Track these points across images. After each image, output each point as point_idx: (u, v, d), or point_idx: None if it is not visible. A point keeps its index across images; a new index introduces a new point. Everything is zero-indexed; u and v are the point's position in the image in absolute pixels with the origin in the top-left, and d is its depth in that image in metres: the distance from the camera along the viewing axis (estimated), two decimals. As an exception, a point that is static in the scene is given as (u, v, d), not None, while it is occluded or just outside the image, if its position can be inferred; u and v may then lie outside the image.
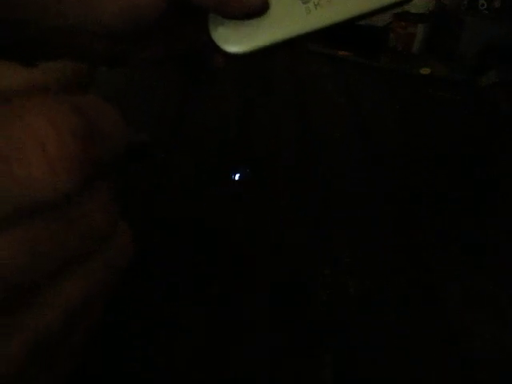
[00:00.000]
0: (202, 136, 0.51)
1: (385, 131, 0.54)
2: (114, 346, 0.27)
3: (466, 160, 0.48)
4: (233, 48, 0.27)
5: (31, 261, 0.10)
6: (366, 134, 0.53)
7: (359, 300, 0.30)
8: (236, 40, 0.27)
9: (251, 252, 0.34)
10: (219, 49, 0.28)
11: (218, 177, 0.43)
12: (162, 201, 0.40)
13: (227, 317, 0.29)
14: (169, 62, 0.26)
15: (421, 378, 0.26)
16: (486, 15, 0.73)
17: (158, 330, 0.28)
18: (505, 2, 0.72)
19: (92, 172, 0.11)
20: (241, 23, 0.27)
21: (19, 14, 0.23)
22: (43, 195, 0.10)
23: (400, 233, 0.37)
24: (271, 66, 0.74)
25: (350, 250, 0.35)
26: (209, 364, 0.26)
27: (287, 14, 0.27)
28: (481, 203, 0.41)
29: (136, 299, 0.30)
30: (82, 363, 0.13)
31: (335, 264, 0.33)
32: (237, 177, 0.26)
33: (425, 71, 0.72)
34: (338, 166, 0.46)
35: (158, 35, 0.26)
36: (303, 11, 0.27)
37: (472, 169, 0.47)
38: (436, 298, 0.31)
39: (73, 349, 0.13)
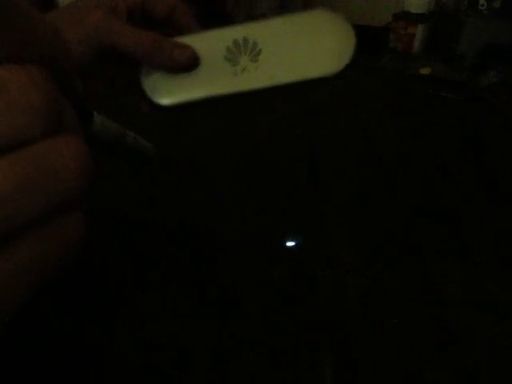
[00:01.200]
0: (200, 144, 0.51)
1: (385, 131, 0.54)
2: (114, 358, 0.27)
3: (466, 160, 0.48)
4: (160, 99, 0.29)
5: None
6: (366, 134, 0.53)
7: (359, 300, 0.30)
8: (163, 92, 0.29)
9: (251, 252, 0.34)
10: (147, 98, 0.29)
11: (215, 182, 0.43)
12: (159, 204, 0.40)
13: (227, 317, 0.29)
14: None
15: (421, 377, 0.26)
16: (486, 15, 0.73)
17: (155, 333, 0.28)
18: (505, 2, 0.72)
19: (54, 120, 0.12)
20: (170, 76, 0.28)
21: None
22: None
23: (400, 233, 0.37)
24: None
25: (349, 249, 0.35)
26: (209, 364, 0.26)
27: (215, 73, 0.28)
28: (481, 203, 0.41)
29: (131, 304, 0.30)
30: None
31: (335, 264, 0.33)
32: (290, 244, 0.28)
33: (425, 71, 0.72)
34: (338, 166, 0.46)
35: (96, 74, 0.29)
36: (230, 73, 0.28)
37: (472, 169, 0.47)
38: (436, 297, 0.31)
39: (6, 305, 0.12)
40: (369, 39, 0.82)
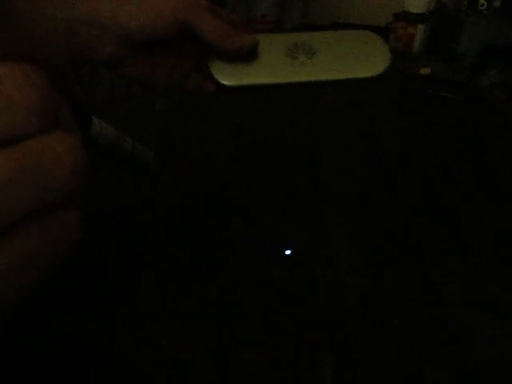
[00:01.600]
0: (201, 147, 0.51)
1: (385, 131, 0.54)
2: (114, 353, 0.27)
3: (466, 160, 0.48)
4: (225, 80, 0.33)
5: None
6: (366, 134, 0.53)
7: (359, 300, 0.30)
8: (229, 74, 0.33)
9: (251, 252, 0.34)
10: (214, 79, 0.34)
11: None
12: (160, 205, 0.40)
13: (227, 317, 0.29)
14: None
15: (421, 377, 0.26)
16: (486, 15, 0.73)
17: (158, 330, 0.28)
18: (505, 2, 0.72)
19: (49, 117, 0.12)
20: (236, 62, 0.33)
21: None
22: None
23: (400, 233, 0.37)
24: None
25: (350, 249, 0.35)
26: (209, 364, 0.26)
27: (276, 64, 0.34)
28: (481, 203, 0.41)
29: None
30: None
31: (335, 264, 0.33)
32: (288, 252, 0.30)
33: (425, 71, 0.72)
34: (339, 166, 0.46)
35: (155, 55, 0.32)
36: (290, 65, 0.34)
37: (472, 169, 0.47)
38: (436, 297, 0.31)
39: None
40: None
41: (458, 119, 0.58)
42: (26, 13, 0.27)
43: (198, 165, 0.46)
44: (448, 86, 0.67)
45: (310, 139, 0.51)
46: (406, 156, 0.49)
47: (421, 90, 0.67)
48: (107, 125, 0.26)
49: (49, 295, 0.29)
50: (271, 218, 0.38)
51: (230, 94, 0.34)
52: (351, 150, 0.49)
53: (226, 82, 0.34)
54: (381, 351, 0.27)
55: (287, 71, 0.33)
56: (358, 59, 0.34)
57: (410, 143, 0.52)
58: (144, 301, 0.30)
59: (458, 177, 0.45)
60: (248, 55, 0.33)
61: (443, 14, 0.80)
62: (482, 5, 0.73)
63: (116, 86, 0.57)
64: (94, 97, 0.54)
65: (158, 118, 0.55)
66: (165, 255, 0.34)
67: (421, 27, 0.77)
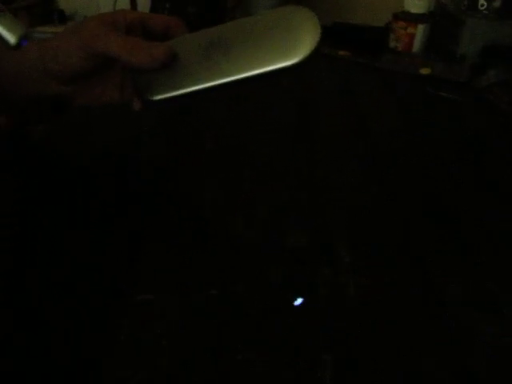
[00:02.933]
0: (201, 139, 0.51)
1: (385, 131, 0.54)
2: (110, 350, 0.27)
3: (466, 160, 0.48)
4: (150, 95, 0.33)
5: None
6: (366, 134, 0.53)
7: (359, 300, 0.30)
8: (153, 89, 0.33)
9: (251, 252, 0.34)
10: (139, 96, 0.34)
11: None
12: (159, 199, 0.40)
13: (226, 317, 0.29)
14: None
15: (421, 377, 0.26)
16: (486, 15, 0.73)
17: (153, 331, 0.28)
18: (505, 2, 0.72)
19: None
20: (158, 74, 0.33)
21: None
22: None
23: (400, 233, 0.37)
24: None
25: (350, 249, 0.35)
26: (209, 364, 0.26)
27: (193, 69, 0.32)
28: (481, 203, 0.41)
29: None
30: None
31: (335, 264, 0.33)
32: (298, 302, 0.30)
33: (425, 71, 0.72)
34: (338, 165, 0.46)
35: (92, 85, 0.35)
36: (205, 68, 0.32)
37: (472, 169, 0.47)
38: (436, 297, 0.31)
39: None
40: (369, 39, 0.83)
41: (457, 119, 0.58)
42: None
43: (197, 163, 0.46)
44: (448, 86, 0.67)
45: (310, 139, 0.51)
46: (406, 156, 0.49)
47: (421, 89, 0.67)
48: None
49: (49, 295, 0.29)
50: (271, 218, 0.38)
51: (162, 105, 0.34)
52: (351, 150, 0.49)
53: (150, 97, 0.33)
54: (381, 351, 0.27)
55: (204, 74, 0.32)
56: (278, 45, 0.30)
57: (410, 143, 0.52)
58: (144, 301, 0.30)
59: (458, 177, 0.45)
60: (165, 65, 0.32)
61: (443, 14, 0.80)
62: (482, 5, 0.73)
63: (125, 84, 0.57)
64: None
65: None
66: (165, 255, 0.34)
67: (421, 27, 0.77)
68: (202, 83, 0.32)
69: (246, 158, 0.47)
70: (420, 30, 0.77)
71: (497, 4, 0.72)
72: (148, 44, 0.32)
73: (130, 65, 0.32)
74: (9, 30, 0.34)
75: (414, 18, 0.77)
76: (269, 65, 0.30)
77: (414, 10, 0.77)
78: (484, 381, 0.26)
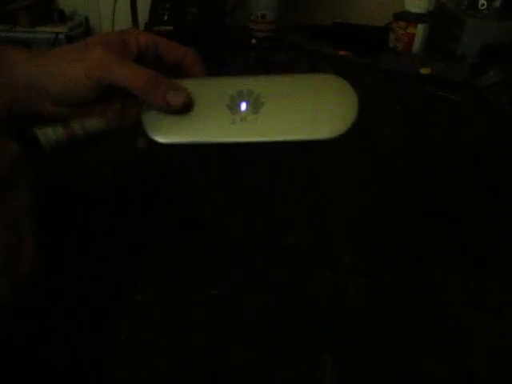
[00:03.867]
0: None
1: (385, 131, 0.54)
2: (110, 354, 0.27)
3: (466, 160, 0.48)
4: (157, 137, 0.29)
5: None
6: (366, 133, 0.53)
7: (359, 300, 0.30)
8: (162, 130, 0.29)
9: (251, 252, 0.34)
10: (145, 134, 0.29)
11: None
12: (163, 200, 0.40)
13: (227, 317, 0.29)
14: None
15: (421, 377, 0.26)
16: (486, 15, 0.73)
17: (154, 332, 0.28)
18: (505, 2, 0.72)
19: None
20: (170, 115, 0.29)
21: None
22: None
23: (400, 233, 0.37)
24: (271, 64, 0.74)
25: (350, 249, 0.35)
26: (209, 364, 0.26)
27: (214, 119, 0.28)
28: (481, 203, 0.41)
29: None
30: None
31: (335, 264, 0.33)
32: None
33: (425, 71, 0.72)
34: (338, 165, 0.46)
35: (93, 107, 0.31)
36: (229, 121, 0.28)
37: (472, 169, 0.47)
38: (436, 297, 0.31)
39: None
40: (369, 39, 0.83)
41: (457, 119, 0.58)
42: None
43: (196, 164, 0.46)
44: (448, 85, 0.67)
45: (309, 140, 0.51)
46: (406, 156, 0.49)
47: (421, 89, 0.67)
48: (47, 129, 0.25)
49: (49, 295, 0.29)
50: (271, 218, 0.38)
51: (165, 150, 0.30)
52: (351, 150, 0.49)
53: (157, 138, 0.29)
54: (381, 351, 0.27)
55: (226, 129, 0.28)
56: (314, 114, 0.28)
57: (410, 143, 0.52)
58: (144, 301, 0.30)
59: (458, 177, 0.45)
60: (180, 112, 0.29)
61: (443, 14, 0.80)
62: (482, 4, 0.73)
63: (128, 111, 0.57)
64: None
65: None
66: (165, 255, 0.34)
67: (421, 27, 0.77)
68: (223, 138, 0.28)
69: (245, 159, 0.47)
70: (420, 30, 0.77)
71: (497, 4, 0.72)
72: (164, 84, 0.28)
73: (140, 99, 0.29)
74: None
75: (414, 18, 0.77)
76: (303, 135, 0.28)
77: (414, 10, 0.77)
78: (484, 381, 0.26)
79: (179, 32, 0.72)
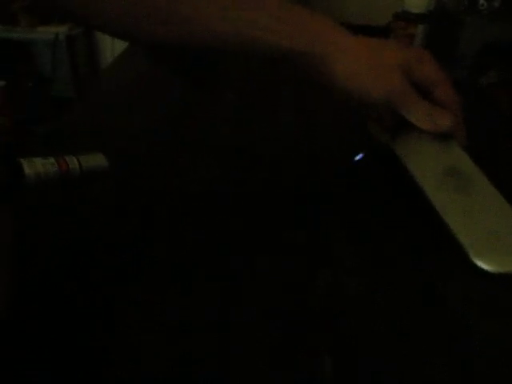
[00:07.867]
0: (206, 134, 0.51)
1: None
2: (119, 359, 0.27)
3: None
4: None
5: None
6: (366, 133, 0.53)
7: (359, 300, 0.30)
8: (386, 138, 0.40)
9: (250, 252, 0.34)
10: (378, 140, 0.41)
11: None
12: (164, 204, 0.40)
13: (226, 317, 0.29)
14: (170, 63, 0.29)
15: (421, 377, 0.26)
16: (486, 15, 0.73)
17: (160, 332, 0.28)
18: (505, 2, 0.72)
19: None
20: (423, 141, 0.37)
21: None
22: None
23: (400, 232, 0.37)
24: (271, 64, 0.74)
25: (350, 249, 0.35)
26: (209, 364, 0.26)
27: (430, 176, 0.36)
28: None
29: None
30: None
31: (335, 264, 0.33)
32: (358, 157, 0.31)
33: (425, 71, 0.72)
34: (338, 165, 0.46)
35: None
36: (434, 186, 0.36)
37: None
38: (436, 297, 0.31)
39: None
40: (369, 39, 0.83)
41: (457, 119, 0.58)
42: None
43: (196, 164, 0.46)
44: (448, 85, 0.67)
45: (310, 139, 0.51)
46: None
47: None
48: (36, 159, 0.24)
49: (48, 295, 0.29)
50: (271, 219, 0.38)
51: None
52: (350, 148, 0.49)
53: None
54: (381, 351, 0.27)
55: (432, 192, 0.34)
56: None
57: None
58: (144, 301, 0.30)
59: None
60: (446, 132, 0.36)
61: (443, 14, 0.80)
62: (482, 5, 0.73)
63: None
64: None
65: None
66: (165, 256, 0.34)
67: (421, 27, 0.77)
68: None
69: (245, 159, 0.47)
70: (420, 30, 0.77)
71: (497, 4, 0.72)
72: (437, 110, 0.36)
73: (417, 125, 0.35)
74: None
75: (414, 18, 0.77)
76: None
77: (414, 10, 0.77)
78: (484, 381, 0.26)
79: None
